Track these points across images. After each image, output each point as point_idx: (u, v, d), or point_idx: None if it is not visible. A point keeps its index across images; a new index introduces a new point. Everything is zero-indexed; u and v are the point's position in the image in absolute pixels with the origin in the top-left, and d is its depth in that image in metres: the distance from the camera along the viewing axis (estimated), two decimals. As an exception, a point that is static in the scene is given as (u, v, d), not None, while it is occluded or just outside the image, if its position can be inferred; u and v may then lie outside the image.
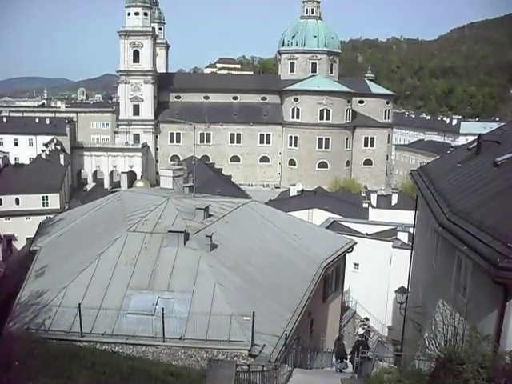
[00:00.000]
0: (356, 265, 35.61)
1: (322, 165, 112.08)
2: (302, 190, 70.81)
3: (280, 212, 29.59)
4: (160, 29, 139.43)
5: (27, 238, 64.49)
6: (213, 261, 18.57)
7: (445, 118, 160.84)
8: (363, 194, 70.67)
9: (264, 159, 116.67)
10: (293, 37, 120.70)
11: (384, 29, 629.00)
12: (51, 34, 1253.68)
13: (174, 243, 18.99)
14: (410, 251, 24.63)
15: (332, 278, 26.02)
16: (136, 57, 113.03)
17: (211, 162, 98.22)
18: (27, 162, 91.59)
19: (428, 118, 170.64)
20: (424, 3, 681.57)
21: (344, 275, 28.48)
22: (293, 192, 71.01)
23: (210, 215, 22.14)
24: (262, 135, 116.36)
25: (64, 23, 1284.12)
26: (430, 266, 18.12)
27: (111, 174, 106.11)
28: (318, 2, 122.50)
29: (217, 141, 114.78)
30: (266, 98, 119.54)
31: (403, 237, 37.26)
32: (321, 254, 24.13)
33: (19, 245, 72.03)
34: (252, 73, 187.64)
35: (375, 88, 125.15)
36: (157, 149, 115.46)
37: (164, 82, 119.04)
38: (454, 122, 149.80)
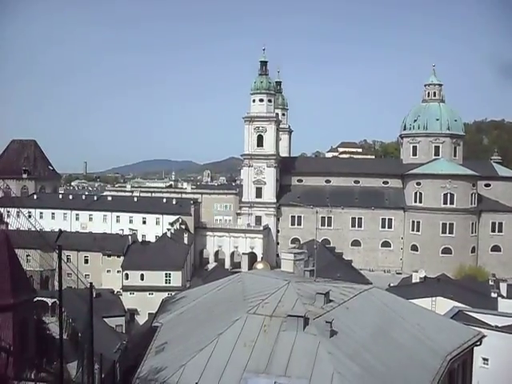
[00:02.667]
0: (485, 360, 33.42)
1: (446, 251, 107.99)
2: (425, 277, 68.32)
3: (402, 299, 28.68)
4: (283, 114, 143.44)
5: (149, 313, 66.77)
6: (332, 348, 18.24)
7: None
8: (491, 283, 66.94)
9: (385, 244, 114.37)
10: (415, 120, 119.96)
11: (510, 109, 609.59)
12: (181, 122, 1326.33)
13: (294, 327, 18.89)
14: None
15: (458, 373, 24.53)
16: (260, 141, 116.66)
17: (332, 245, 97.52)
18: (153, 239, 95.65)
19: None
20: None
21: (472, 370, 26.79)
22: (415, 278, 68.78)
23: (331, 300, 21.90)
24: (383, 219, 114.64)
25: (192, 110, 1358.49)
26: None
27: (232, 254, 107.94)
28: (441, 85, 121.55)
29: (338, 224, 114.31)
30: (387, 182, 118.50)
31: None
32: (445, 345, 22.91)
33: (141, 319, 74.45)
34: (374, 157, 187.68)
35: (502, 171, 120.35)
36: (278, 231, 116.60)
37: (286, 166, 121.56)
38: None
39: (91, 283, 19.29)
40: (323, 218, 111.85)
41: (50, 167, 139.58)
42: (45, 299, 67.35)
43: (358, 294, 24.65)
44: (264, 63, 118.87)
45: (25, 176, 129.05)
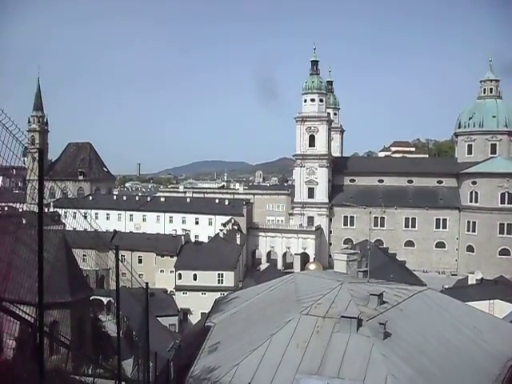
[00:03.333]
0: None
1: (504, 252, 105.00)
2: (482, 279, 66.74)
3: (458, 301, 28.09)
4: (335, 114, 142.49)
5: (201, 313, 67.39)
6: (386, 350, 18.01)
7: None
8: (552, 285, 65.03)
9: (440, 245, 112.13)
10: (470, 118, 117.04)
11: None
12: (233, 123, 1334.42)
13: (347, 329, 18.76)
14: None
15: (518, 380, 23.82)
16: (312, 141, 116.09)
17: (385, 246, 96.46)
18: (206, 240, 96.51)
19: None
20: None
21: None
22: (471, 280, 67.22)
23: (384, 302, 21.65)
24: (437, 220, 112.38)
25: (244, 111, 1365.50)
26: None
27: (284, 255, 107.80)
28: (497, 81, 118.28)
29: (391, 225, 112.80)
30: (441, 182, 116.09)
31: None
32: (505, 350, 22.12)
33: (194, 318, 75.20)
34: (427, 156, 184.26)
35: None
36: (330, 231, 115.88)
37: (339, 166, 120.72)
38: None
39: (147, 283, 19.61)
40: (376, 218, 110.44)
41: (105, 169, 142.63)
42: (100, 298, 68.86)
43: (413, 295, 24.27)
44: (315, 63, 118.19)
45: (81, 178, 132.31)
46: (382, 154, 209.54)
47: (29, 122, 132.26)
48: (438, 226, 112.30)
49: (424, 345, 20.16)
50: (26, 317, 8.83)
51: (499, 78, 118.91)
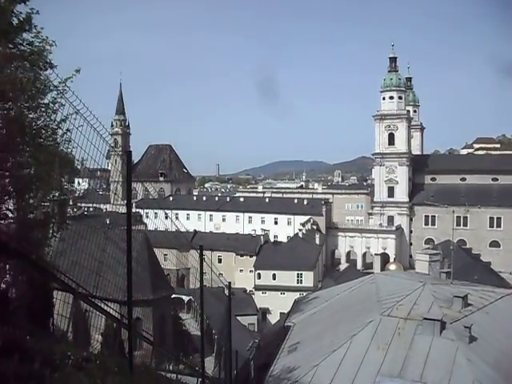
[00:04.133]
0: None
1: None
2: None
3: (548, 305, 26.89)
4: (415, 111, 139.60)
5: (280, 313, 67.62)
6: (471, 354, 17.44)
7: None
8: None
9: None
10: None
11: None
12: (311, 122, 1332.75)
13: (430, 331, 18.32)
14: None
15: None
16: (391, 139, 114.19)
17: (468, 246, 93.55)
18: (285, 240, 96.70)
19: None
20: None
21: None
22: (562, 283, 64.39)
23: (469, 304, 21.00)
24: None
25: (322, 110, 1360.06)
26: None
27: (364, 255, 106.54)
28: None
29: (474, 225, 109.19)
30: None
31: None
32: None
33: (272, 318, 75.53)
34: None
35: None
36: (411, 231, 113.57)
37: (419, 164, 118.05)
38: None
39: (229, 283, 19.82)
40: (458, 217, 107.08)
41: (185, 170, 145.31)
42: (181, 296, 70.21)
43: (500, 298, 23.41)
44: (393, 59, 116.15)
45: (161, 179, 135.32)
46: (464, 152, 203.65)
47: (112, 125, 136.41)
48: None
49: (512, 350, 19.41)
50: (114, 313, 9.11)
51: None
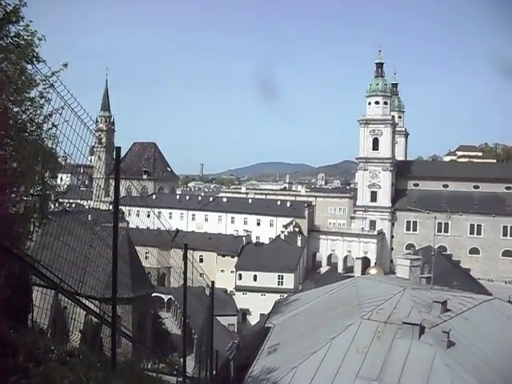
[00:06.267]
0: None
1: None
2: (552, 290, 64.59)
3: (526, 313, 27.15)
4: (400, 117, 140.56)
5: (260, 314, 67.61)
6: (449, 359, 17.55)
7: None
8: None
9: (507, 253, 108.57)
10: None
11: None
12: (296, 125, 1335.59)
13: (409, 336, 18.42)
14: None
15: None
16: (375, 144, 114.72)
17: (448, 253, 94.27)
18: (267, 241, 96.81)
19: None
20: None
21: None
22: (540, 291, 65.16)
23: (448, 310, 21.14)
24: (505, 227, 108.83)
25: (307, 113, 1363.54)
26: None
27: (345, 258, 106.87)
28: None
29: (455, 231, 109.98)
30: (510, 188, 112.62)
31: None
32: None
33: (252, 319, 75.56)
34: (495, 161, 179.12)
35: None
36: (392, 236, 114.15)
37: (402, 170, 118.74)
38: None
39: (213, 282, 19.75)
40: (440, 223, 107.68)
41: (169, 168, 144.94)
42: (161, 295, 69.98)
43: (478, 304, 23.59)
44: (380, 65, 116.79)
45: (145, 177, 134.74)
46: (447, 159, 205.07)
47: (96, 121, 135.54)
48: (505, 234, 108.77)
49: (490, 356, 19.54)
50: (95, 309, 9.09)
51: None
